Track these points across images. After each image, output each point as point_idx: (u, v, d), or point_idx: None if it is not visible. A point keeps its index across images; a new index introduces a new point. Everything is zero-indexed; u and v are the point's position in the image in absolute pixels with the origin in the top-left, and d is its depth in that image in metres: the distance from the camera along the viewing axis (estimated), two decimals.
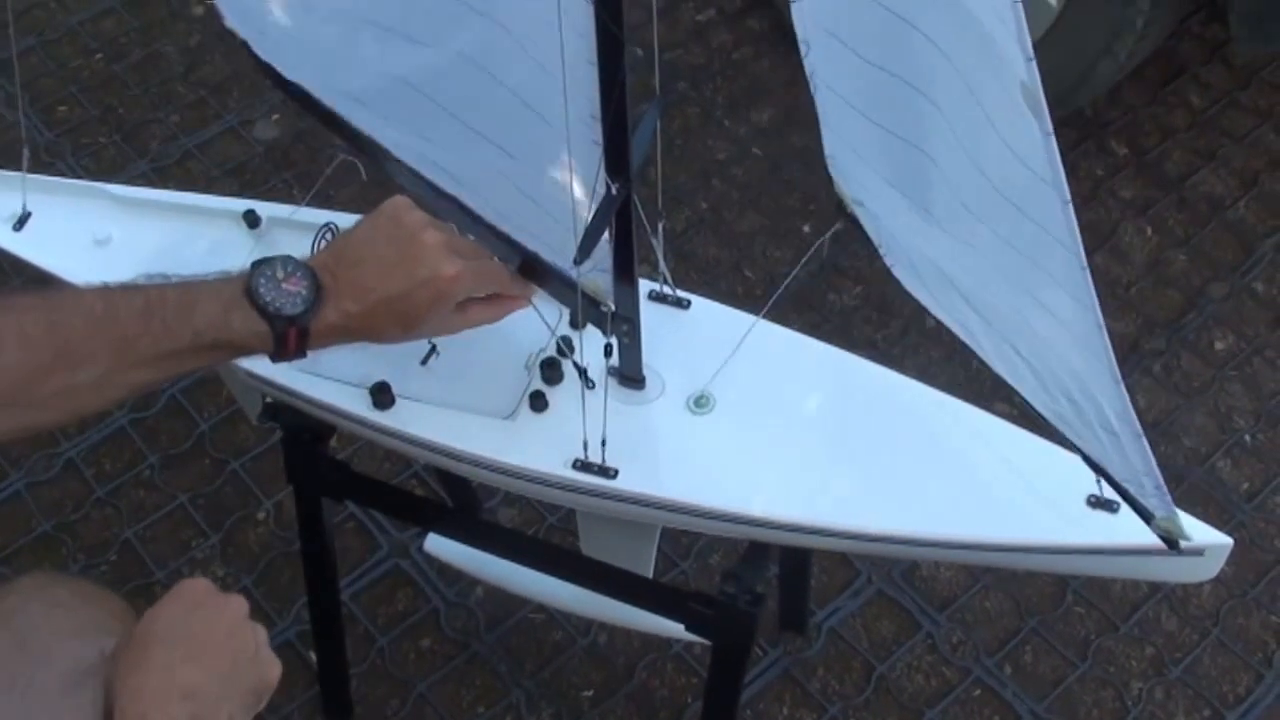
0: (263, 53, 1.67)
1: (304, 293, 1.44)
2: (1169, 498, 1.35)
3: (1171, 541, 1.38)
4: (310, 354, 1.50)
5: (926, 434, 1.58)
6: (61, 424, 1.48)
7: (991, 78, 1.12)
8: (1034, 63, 1.06)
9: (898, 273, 1.43)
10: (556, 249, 1.51)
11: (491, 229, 1.58)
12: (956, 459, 1.55)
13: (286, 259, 1.46)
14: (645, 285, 1.67)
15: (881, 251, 1.44)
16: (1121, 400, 1.25)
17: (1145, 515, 1.37)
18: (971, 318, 1.35)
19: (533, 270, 1.57)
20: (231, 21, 1.67)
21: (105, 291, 1.44)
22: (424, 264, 1.45)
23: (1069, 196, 1.11)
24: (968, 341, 1.39)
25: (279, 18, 1.60)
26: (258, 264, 1.46)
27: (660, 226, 1.58)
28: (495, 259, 1.56)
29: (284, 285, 1.44)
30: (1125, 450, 1.29)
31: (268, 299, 1.43)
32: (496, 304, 1.56)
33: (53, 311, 1.41)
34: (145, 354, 1.41)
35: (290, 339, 1.45)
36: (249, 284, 1.44)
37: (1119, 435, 1.28)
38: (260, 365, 1.57)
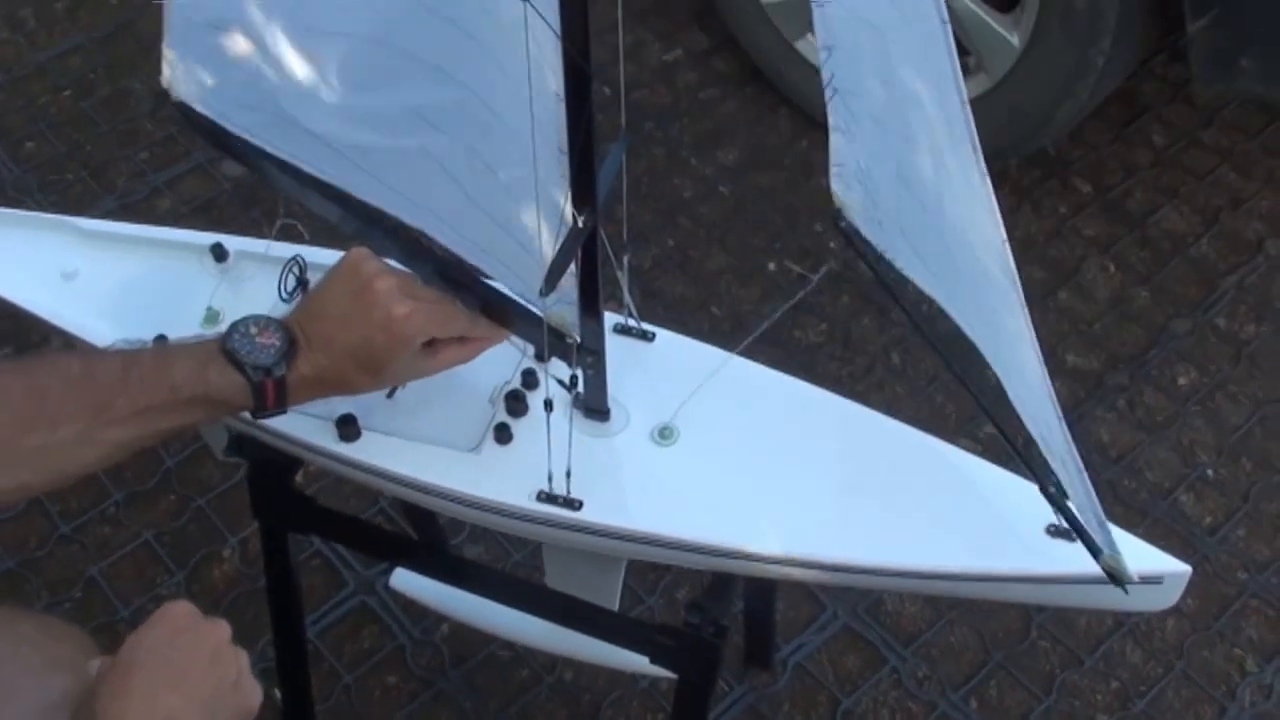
0: (206, 106, 1.68)
1: (277, 344, 1.49)
2: (1110, 535, 1.37)
3: (1117, 579, 1.40)
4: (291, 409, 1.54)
5: (888, 464, 1.60)
6: (48, 485, 1.49)
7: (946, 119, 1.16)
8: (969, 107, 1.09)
9: (911, 274, 1.41)
10: (523, 281, 1.53)
11: (456, 265, 1.59)
12: (918, 489, 1.57)
13: (259, 317, 1.52)
14: (610, 318, 1.68)
15: (889, 257, 1.42)
16: (1063, 434, 1.27)
17: (1094, 550, 1.39)
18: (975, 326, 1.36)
19: (494, 311, 1.59)
20: (172, 78, 1.68)
21: (81, 354, 1.48)
22: (377, 308, 1.49)
23: (1005, 236, 1.14)
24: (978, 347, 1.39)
25: (249, 58, 1.61)
26: (234, 323, 1.51)
27: (625, 260, 1.60)
28: (456, 302, 1.58)
29: (257, 339, 1.49)
30: (1074, 481, 1.31)
31: (242, 352, 1.48)
32: (467, 344, 1.58)
33: (29, 374, 1.46)
34: (123, 411, 1.45)
35: (268, 390, 1.49)
36: (224, 340, 1.50)
37: (1068, 464, 1.30)
38: None
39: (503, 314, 1.59)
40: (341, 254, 1.56)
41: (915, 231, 1.32)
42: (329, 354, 1.51)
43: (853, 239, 1.39)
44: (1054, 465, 1.35)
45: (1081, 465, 1.30)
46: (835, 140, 1.33)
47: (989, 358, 1.34)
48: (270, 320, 1.52)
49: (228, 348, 1.49)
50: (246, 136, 1.67)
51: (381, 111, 1.53)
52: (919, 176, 1.27)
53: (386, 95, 1.51)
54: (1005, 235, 1.17)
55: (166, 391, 1.46)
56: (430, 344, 1.54)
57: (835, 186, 1.37)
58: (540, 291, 1.41)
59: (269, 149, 1.65)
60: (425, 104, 1.47)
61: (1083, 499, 1.33)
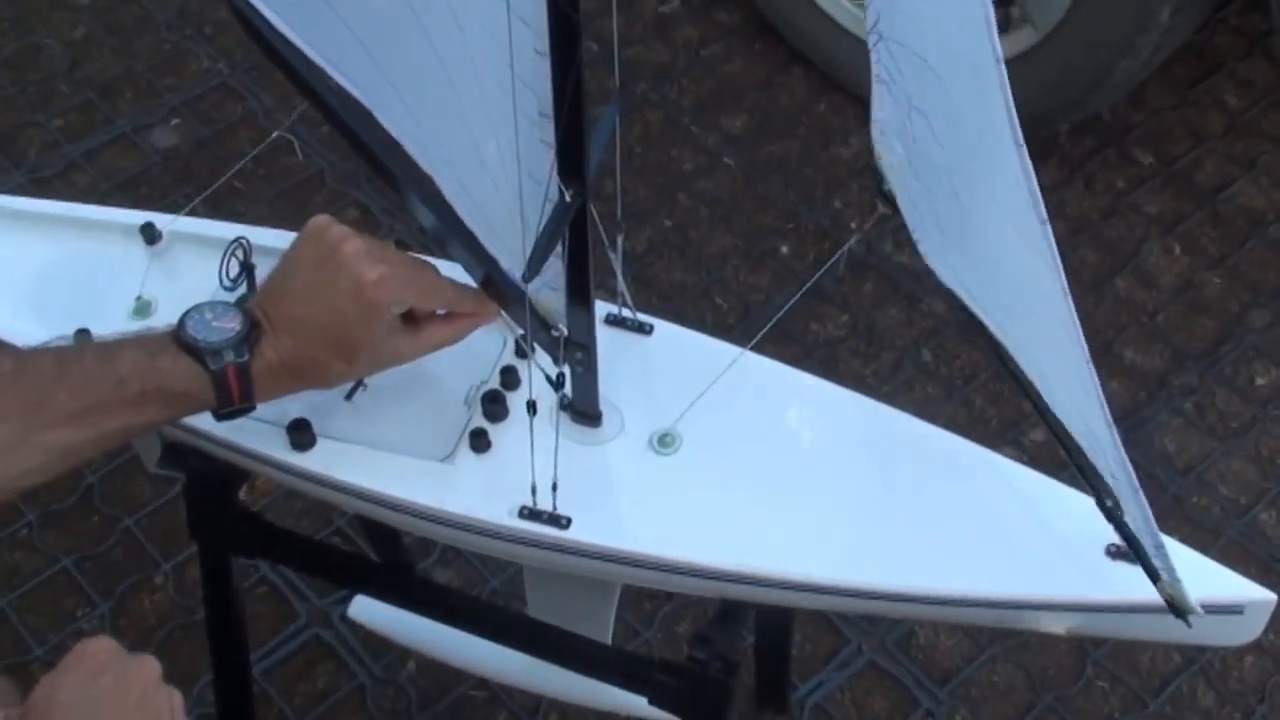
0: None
1: (237, 328, 1.50)
2: (1170, 560, 1.38)
3: (1178, 609, 1.41)
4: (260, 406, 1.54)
5: (921, 475, 1.60)
6: None
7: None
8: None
9: (931, 262, 1.42)
10: (511, 259, 1.53)
11: (459, 226, 1.58)
12: (956, 503, 1.58)
13: (216, 302, 1.53)
14: (601, 308, 1.69)
15: (915, 238, 1.43)
16: (1115, 447, 1.28)
17: (1152, 574, 1.40)
18: (1003, 322, 1.37)
19: (492, 286, 1.58)
20: None
21: (15, 350, 1.48)
22: (344, 274, 1.49)
23: (1045, 216, 1.16)
24: (1004, 345, 1.40)
25: None
26: (187, 310, 1.51)
27: (619, 240, 1.60)
28: (435, 268, 1.58)
29: (214, 324, 1.50)
30: (1127, 500, 1.32)
31: (198, 338, 1.48)
32: (454, 321, 1.59)
33: None
34: (63, 409, 1.45)
35: (230, 380, 1.49)
36: (177, 328, 1.50)
37: (1119, 480, 1.31)
38: None
39: (499, 289, 1.59)
40: (294, 234, 1.56)
41: (945, 204, 1.34)
42: (295, 335, 1.51)
43: (894, 202, 1.40)
44: (1104, 478, 1.36)
45: (1136, 481, 1.31)
46: (878, 93, 1.34)
47: (1019, 354, 1.35)
48: (229, 305, 1.52)
49: (181, 335, 1.49)
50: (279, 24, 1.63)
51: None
52: (960, 142, 1.28)
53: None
54: (1045, 215, 1.18)
55: (112, 386, 1.46)
56: (411, 322, 1.55)
57: (877, 146, 1.38)
58: (523, 276, 1.42)
59: (303, 47, 1.62)
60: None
61: (1138, 520, 1.35)
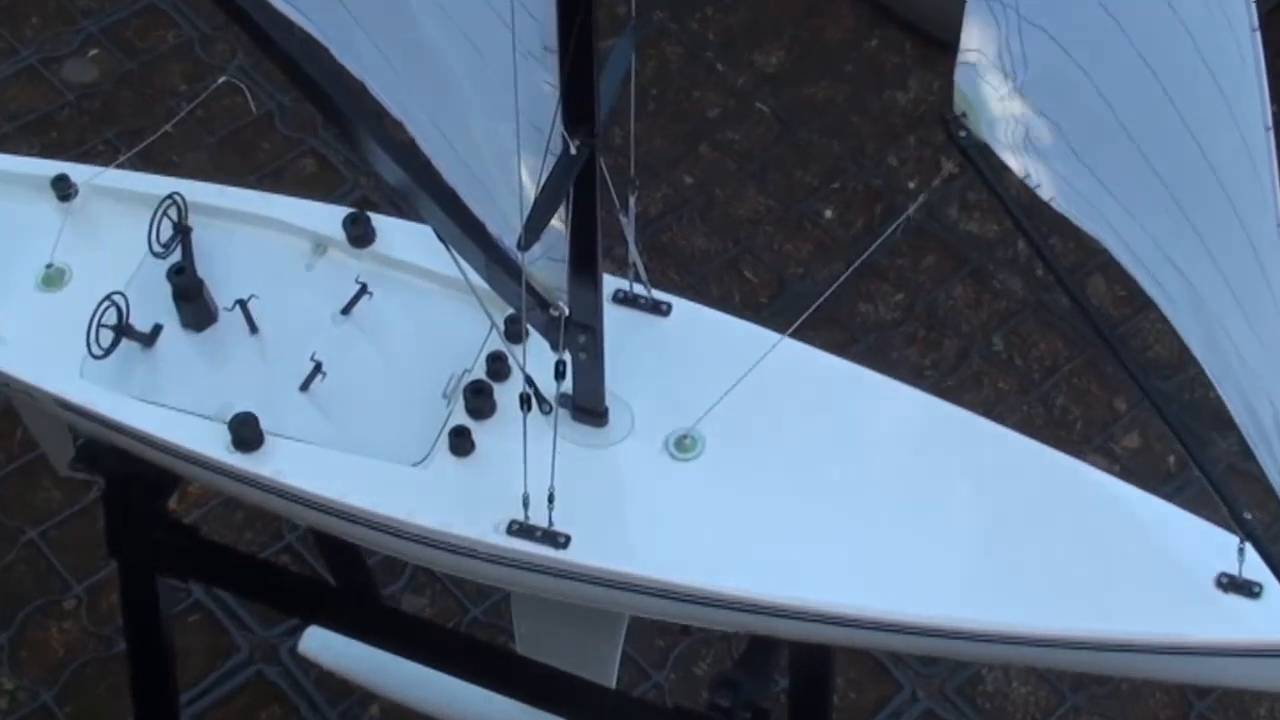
0: None
1: None
2: None
3: None
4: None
5: (994, 489, 1.60)
6: None
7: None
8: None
9: (1060, 205, 1.40)
10: (503, 220, 1.53)
11: (437, 183, 1.57)
12: (1036, 524, 1.57)
13: None
14: (610, 282, 1.69)
15: (1032, 184, 1.40)
16: None
17: None
18: (1169, 273, 1.36)
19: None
20: None
21: None
22: None
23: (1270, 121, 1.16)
24: (1156, 297, 1.38)
25: None
26: None
27: (632, 202, 1.60)
28: None
29: None
30: None
31: None
32: None
33: None
34: None
35: None
36: None
37: None
38: (73, 387, 1.58)
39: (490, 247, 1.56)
40: (241, 191, 1.56)
41: (1096, 143, 1.33)
42: None
43: (973, 156, 1.39)
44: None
45: None
46: (975, 13, 1.33)
47: (1191, 301, 1.34)
48: None
49: None
50: None
51: None
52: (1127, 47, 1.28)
53: None
54: (1270, 120, 1.17)
55: None
56: None
57: (961, 81, 1.37)
58: (519, 243, 1.42)
59: None
60: None
61: None
